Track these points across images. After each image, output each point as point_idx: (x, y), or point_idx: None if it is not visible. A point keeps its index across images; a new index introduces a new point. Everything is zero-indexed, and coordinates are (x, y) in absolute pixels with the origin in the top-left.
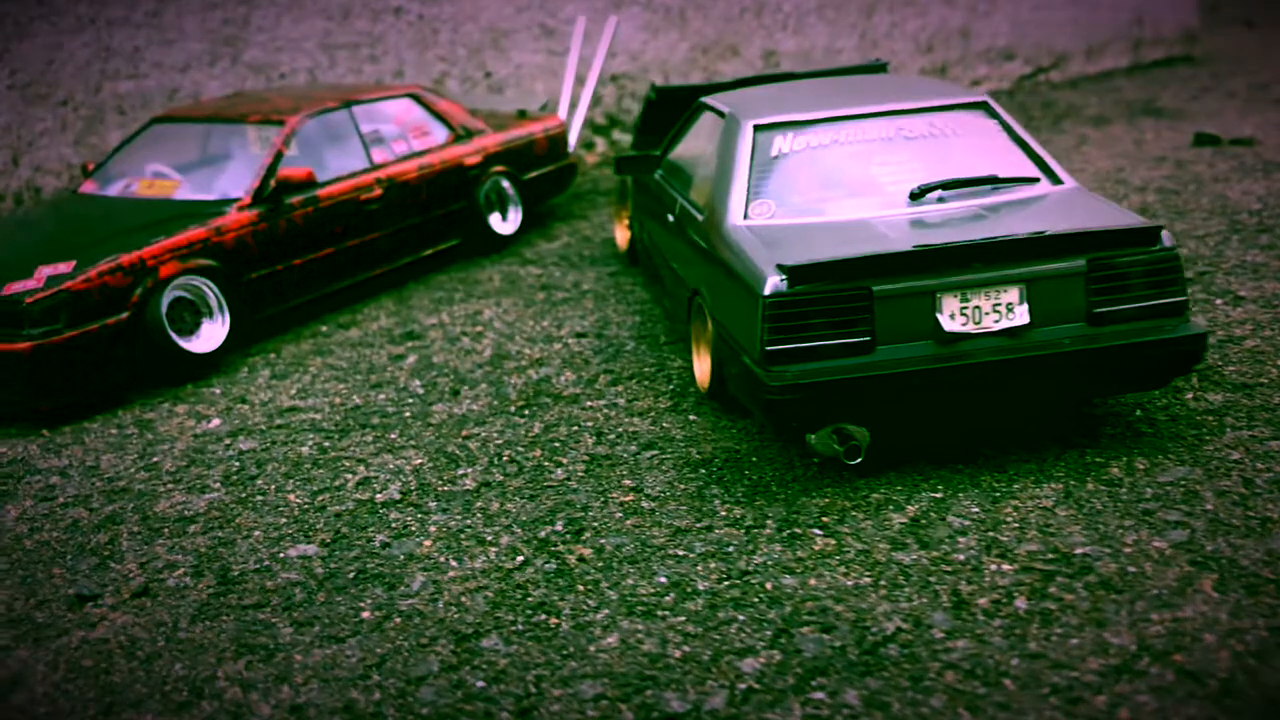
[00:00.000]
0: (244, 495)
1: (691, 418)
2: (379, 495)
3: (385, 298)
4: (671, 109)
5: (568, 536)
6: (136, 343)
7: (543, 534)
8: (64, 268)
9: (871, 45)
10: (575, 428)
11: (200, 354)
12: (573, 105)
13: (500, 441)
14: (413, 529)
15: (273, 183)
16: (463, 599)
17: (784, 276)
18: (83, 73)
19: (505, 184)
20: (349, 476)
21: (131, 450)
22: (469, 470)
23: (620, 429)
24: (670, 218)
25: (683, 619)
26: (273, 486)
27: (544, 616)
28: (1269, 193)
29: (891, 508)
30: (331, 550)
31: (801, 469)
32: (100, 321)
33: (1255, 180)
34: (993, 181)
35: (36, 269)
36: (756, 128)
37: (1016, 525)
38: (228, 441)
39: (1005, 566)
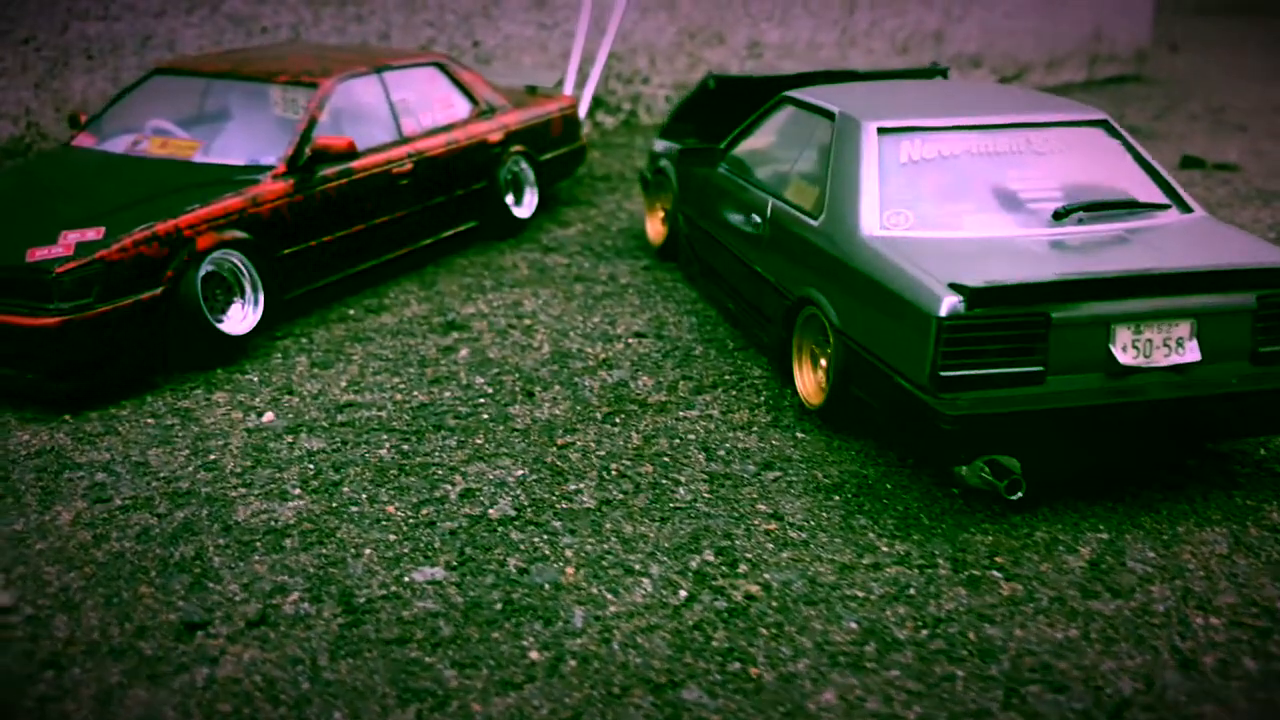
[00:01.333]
0: (334, 505)
1: (799, 435)
2: (491, 511)
3: (407, 281)
4: (725, 100)
5: (723, 569)
6: (168, 321)
7: (694, 564)
8: (92, 234)
9: (851, 42)
10: (677, 441)
11: (234, 335)
12: (578, 85)
13: (602, 454)
14: (545, 553)
15: (308, 150)
16: (638, 640)
17: (962, 298)
18: (48, 10)
19: (524, 165)
20: (448, 487)
21: (180, 445)
22: (580, 485)
23: (727, 445)
24: (756, 218)
25: (897, 673)
26: (364, 495)
27: (739, 665)
28: (1277, 221)
29: (1063, 549)
30: (462, 575)
31: (946, 500)
32: (134, 296)
33: (1258, 208)
34: (1131, 206)
35: (61, 234)
36: (880, 130)
37: (1202, 574)
38: (290, 439)
39: (1213, 620)
